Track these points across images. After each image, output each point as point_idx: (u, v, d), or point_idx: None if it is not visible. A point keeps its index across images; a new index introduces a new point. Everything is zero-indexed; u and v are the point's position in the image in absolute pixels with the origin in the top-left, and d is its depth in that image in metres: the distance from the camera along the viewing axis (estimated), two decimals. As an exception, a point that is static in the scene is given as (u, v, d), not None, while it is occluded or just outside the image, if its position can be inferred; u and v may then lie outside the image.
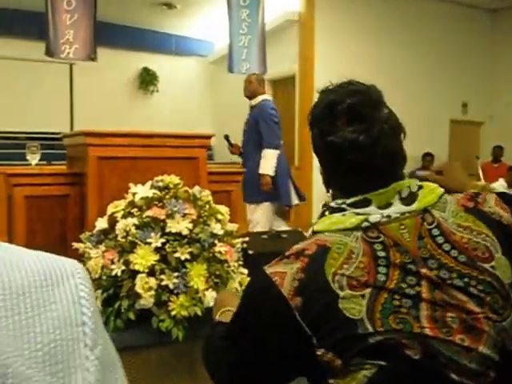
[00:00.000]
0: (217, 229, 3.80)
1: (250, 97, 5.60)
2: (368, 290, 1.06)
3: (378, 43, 8.12)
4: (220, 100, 10.55)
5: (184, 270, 3.56)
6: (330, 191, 1.35)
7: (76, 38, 5.85)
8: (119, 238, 3.53)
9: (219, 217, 3.89)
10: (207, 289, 3.68)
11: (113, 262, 3.47)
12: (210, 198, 3.86)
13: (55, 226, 3.70)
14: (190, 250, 3.60)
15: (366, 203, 1.18)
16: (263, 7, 6.72)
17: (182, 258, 3.56)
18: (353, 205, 1.21)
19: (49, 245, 3.65)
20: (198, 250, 3.65)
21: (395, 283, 1.07)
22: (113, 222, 3.60)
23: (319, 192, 6.10)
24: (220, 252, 3.77)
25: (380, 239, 1.13)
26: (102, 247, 3.52)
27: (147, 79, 9.99)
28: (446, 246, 1.13)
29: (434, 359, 1.02)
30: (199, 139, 4.13)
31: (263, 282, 1.17)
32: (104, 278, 3.46)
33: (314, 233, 1.24)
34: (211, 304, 3.71)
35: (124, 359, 2.58)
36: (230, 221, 4.08)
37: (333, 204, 1.27)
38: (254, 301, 1.20)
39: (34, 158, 3.83)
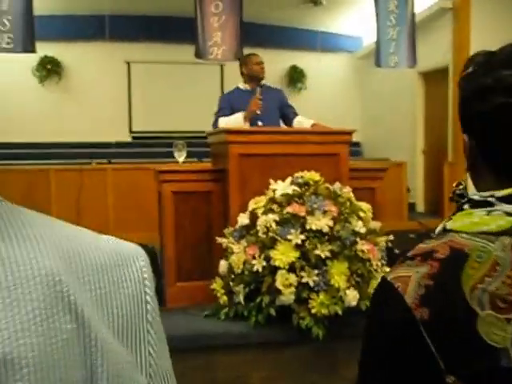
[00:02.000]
0: (358, 226, 3.71)
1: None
2: None
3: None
4: (369, 95, 10.36)
5: (324, 267, 3.52)
6: (468, 176, 1.07)
7: (223, 39, 6.03)
8: (260, 234, 3.56)
9: (361, 214, 3.78)
10: (348, 287, 3.60)
11: (254, 258, 3.51)
12: (351, 194, 3.78)
13: (201, 221, 3.82)
14: (330, 247, 3.54)
15: None
16: (413, -4, 6.47)
17: (323, 255, 3.51)
18: (504, 199, 0.95)
19: (195, 239, 3.79)
20: (339, 248, 3.58)
21: None
22: (254, 217, 3.64)
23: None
24: (362, 250, 3.68)
25: None
26: (244, 242, 3.58)
27: (295, 77, 10.06)
28: None
29: None
30: (340, 135, 4.03)
31: (383, 290, 0.98)
32: (246, 273, 3.52)
33: (446, 231, 0.98)
34: (353, 303, 3.64)
35: (264, 355, 2.57)
36: (374, 218, 3.96)
37: (476, 196, 0.99)
38: (374, 315, 0.99)
39: (180, 156, 3.97)
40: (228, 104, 4.44)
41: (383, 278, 0.95)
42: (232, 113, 4.32)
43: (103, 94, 9.13)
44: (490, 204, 0.95)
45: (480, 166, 1.01)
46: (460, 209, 1.00)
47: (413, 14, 6.52)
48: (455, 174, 6.45)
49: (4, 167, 6.65)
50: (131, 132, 9.40)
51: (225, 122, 4.16)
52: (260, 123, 4.43)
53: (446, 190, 6.56)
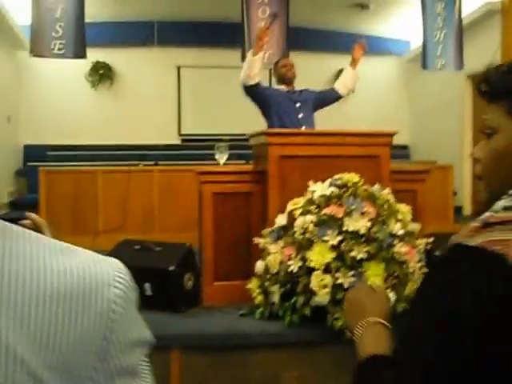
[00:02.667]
0: (396, 228, 3.69)
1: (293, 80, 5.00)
2: None
3: None
4: (417, 97, 10.25)
5: (360, 269, 3.52)
6: None
7: (270, 43, 6.08)
8: (297, 235, 3.60)
9: (399, 216, 3.77)
10: (386, 289, 3.59)
11: (290, 258, 3.54)
12: (390, 196, 3.77)
13: (240, 222, 3.87)
14: (367, 249, 3.53)
15: None
16: (460, -1, 6.39)
17: (358, 257, 3.51)
18: None
19: (234, 239, 3.85)
20: (376, 250, 3.56)
21: None
22: (292, 218, 3.68)
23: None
24: (399, 252, 3.67)
25: None
26: (281, 243, 3.61)
27: (343, 80, 10.08)
28: None
29: None
30: (381, 137, 4.02)
31: (472, 257, 0.85)
32: (282, 273, 3.55)
33: None
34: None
35: (298, 355, 2.63)
36: (415, 221, 3.94)
37: None
38: (459, 288, 0.84)
39: (222, 158, 4.05)
40: (263, 89, 4.78)
41: (463, 246, 0.87)
42: (263, 96, 4.69)
43: (153, 98, 9.37)
44: None
45: None
46: None
47: (460, 16, 6.44)
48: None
49: (54, 168, 6.89)
50: (180, 135, 9.59)
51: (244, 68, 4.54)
52: (304, 127, 4.50)
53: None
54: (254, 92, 4.70)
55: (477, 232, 0.88)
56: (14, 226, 0.49)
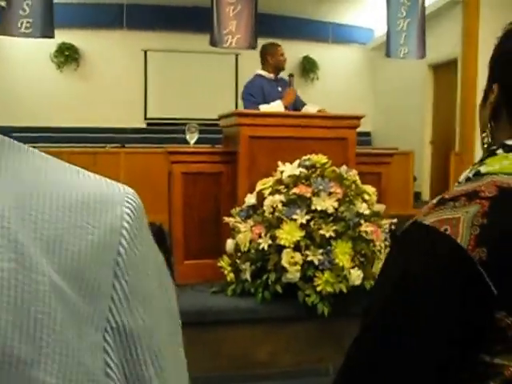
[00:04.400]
0: (363, 208, 3.82)
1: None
2: None
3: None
4: (380, 86, 10.44)
5: (329, 247, 3.63)
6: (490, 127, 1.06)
7: (238, 28, 6.12)
8: (266, 214, 3.68)
9: (366, 197, 3.89)
10: (353, 267, 3.71)
11: (260, 237, 3.62)
12: (357, 177, 3.88)
13: (210, 201, 3.92)
14: (334, 227, 3.64)
15: None
16: (424, -11, 6.53)
17: (327, 235, 3.61)
18: None
19: (204, 219, 3.91)
20: (343, 229, 3.68)
21: None
22: (261, 198, 3.76)
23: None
24: (366, 231, 3.79)
25: None
26: (251, 222, 3.68)
27: (308, 67, 10.15)
28: None
29: None
30: (348, 120, 4.12)
31: (425, 237, 0.89)
32: (252, 251, 3.63)
33: (480, 175, 0.97)
34: (357, 282, 3.75)
35: (272, 330, 2.70)
36: (379, 201, 4.07)
37: (509, 141, 1.00)
38: (414, 266, 0.89)
39: (192, 138, 4.09)
40: (260, 91, 4.61)
41: (418, 223, 0.89)
42: (262, 99, 4.51)
43: (120, 81, 9.30)
44: None
45: (501, 116, 1.03)
46: (492, 153, 0.99)
47: (423, 6, 6.58)
48: (461, 164, 6.51)
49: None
50: (146, 119, 9.56)
51: (267, 109, 4.32)
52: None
53: (452, 180, 6.64)
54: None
55: (432, 209, 0.91)
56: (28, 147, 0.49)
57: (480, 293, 0.84)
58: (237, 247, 3.60)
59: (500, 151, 0.97)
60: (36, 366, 0.42)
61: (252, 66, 9.30)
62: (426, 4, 6.64)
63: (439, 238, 0.85)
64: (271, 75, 4.79)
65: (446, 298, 0.86)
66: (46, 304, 0.42)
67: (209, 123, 7.54)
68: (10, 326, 0.40)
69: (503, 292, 0.83)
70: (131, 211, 0.51)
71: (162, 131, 9.10)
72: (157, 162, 5.56)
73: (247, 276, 3.54)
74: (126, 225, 0.49)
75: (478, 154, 1.09)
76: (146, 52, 9.56)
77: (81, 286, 0.45)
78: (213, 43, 6.13)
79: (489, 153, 0.99)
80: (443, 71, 8.36)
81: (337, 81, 10.28)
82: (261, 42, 6.31)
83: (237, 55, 9.78)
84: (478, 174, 0.95)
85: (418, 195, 8.14)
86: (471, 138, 6.52)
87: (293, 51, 9.80)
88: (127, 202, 0.51)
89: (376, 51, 9.75)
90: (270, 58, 4.86)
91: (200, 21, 7.57)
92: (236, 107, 9.35)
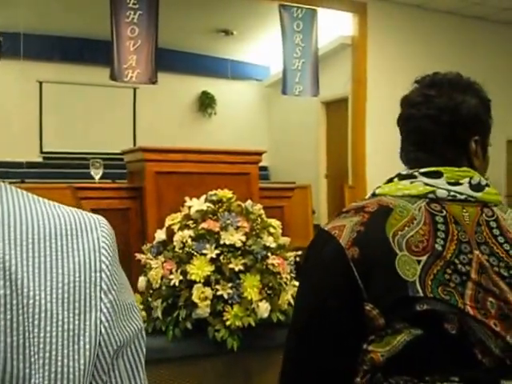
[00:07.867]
0: (269, 241, 3.93)
1: None
2: (424, 258, 1.07)
3: (431, 67, 8.09)
4: (276, 122, 10.77)
5: (238, 280, 3.69)
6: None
7: (138, 62, 6.15)
8: (177, 249, 3.70)
9: (271, 230, 4.01)
10: (261, 300, 3.79)
11: (171, 272, 3.62)
12: (262, 211, 4.00)
13: (120, 238, 3.76)
14: (243, 261, 3.72)
15: (438, 175, 1.19)
16: (316, 32, 6.87)
17: (236, 269, 3.69)
18: (425, 174, 1.21)
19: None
20: (252, 262, 3.76)
21: (450, 256, 1.08)
22: (171, 233, 3.78)
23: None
24: (273, 264, 3.90)
25: (442, 213, 1.14)
26: (162, 258, 3.70)
27: (206, 102, 10.29)
28: (501, 239, 1.15)
29: (465, 337, 1.03)
30: (251, 156, 4.25)
31: (321, 237, 1.17)
32: (164, 288, 3.62)
33: (375, 196, 1.24)
34: (265, 315, 3.83)
35: (182, 369, 2.70)
36: (283, 235, 4.21)
37: (404, 172, 1.27)
38: (314, 254, 1.19)
39: (97, 174, 4.06)
40: None
41: (321, 229, 1.19)
42: None
43: (14, 113, 8.93)
44: (414, 177, 1.21)
45: (404, 154, 1.33)
46: (390, 181, 1.26)
47: (316, 48, 6.94)
48: (354, 196, 6.85)
49: None
50: (42, 152, 9.24)
51: None
52: None
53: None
54: None
55: (333, 219, 1.20)
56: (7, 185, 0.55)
57: (350, 286, 1.06)
58: (148, 284, 3.58)
59: (396, 179, 1.24)
60: (28, 381, 0.47)
61: (150, 100, 9.34)
62: (319, 46, 7.01)
63: (329, 238, 1.12)
64: None
65: (327, 290, 1.12)
66: (36, 326, 0.47)
67: (109, 157, 7.43)
68: (8, 347, 0.44)
69: (368, 286, 1.05)
70: (106, 234, 0.59)
71: (61, 165, 8.83)
72: (59, 198, 5.31)
73: (158, 313, 3.51)
74: (104, 245, 0.57)
75: (370, 186, 1.38)
76: (41, 83, 9.27)
77: (70, 303, 0.50)
78: (113, 77, 6.11)
79: (388, 179, 1.27)
80: (335, 108, 8.80)
81: (234, 116, 10.51)
82: (161, 76, 6.38)
83: (135, 89, 9.75)
84: (374, 194, 1.24)
85: (317, 227, 8.40)
86: (363, 172, 6.90)
87: (192, 86, 9.97)
88: (102, 226, 0.59)
89: (272, 88, 10.09)
90: None
91: (99, 53, 7.53)
92: (134, 141, 9.30)
